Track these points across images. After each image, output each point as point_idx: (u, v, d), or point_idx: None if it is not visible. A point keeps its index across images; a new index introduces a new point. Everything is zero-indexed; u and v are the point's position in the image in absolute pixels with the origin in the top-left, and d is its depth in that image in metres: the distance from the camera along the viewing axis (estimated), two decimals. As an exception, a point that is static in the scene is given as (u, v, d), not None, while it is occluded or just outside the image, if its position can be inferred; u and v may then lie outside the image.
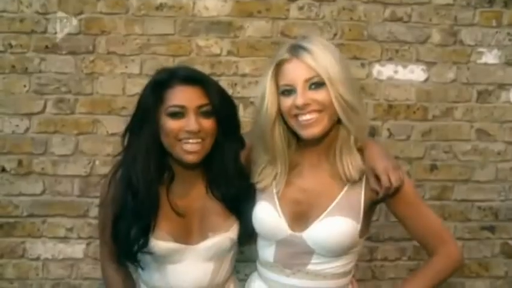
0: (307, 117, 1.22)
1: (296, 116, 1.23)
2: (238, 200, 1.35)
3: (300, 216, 1.29)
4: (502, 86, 2.08)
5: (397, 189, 1.25)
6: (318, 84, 1.22)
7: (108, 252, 1.42)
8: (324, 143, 1.28)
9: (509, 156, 2.09)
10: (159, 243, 1.30)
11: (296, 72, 1.23)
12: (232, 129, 1.35)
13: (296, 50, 1.24)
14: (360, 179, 1.27)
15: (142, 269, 1.36)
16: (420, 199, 1.35)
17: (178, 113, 1.26)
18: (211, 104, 1.29)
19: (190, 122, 1.25)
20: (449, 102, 2.07)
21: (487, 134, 2.09)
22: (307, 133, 1.24)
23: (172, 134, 1.27)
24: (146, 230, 1.29)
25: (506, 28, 2.05)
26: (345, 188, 1.27)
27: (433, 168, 2.08)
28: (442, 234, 1.32)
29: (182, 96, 1.27)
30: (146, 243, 1.29)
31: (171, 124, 1.26)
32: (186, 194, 1.36)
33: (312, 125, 1.22)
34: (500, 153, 2.09)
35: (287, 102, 1.24)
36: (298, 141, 1.32)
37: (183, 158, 1.28)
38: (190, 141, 1.27)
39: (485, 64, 2.06)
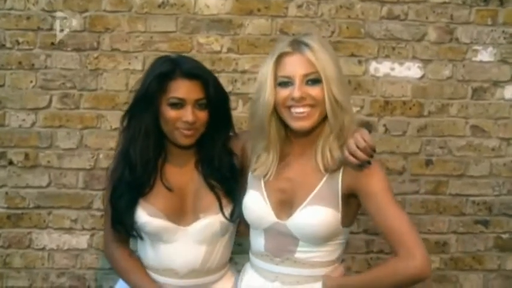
0: (301, 110, 1.28)
1: (289, 107, 1.29)
2: (226, 179, 1.45)
3: (285, 205, 1.34)
4: (496, 83, 2.10)
5: (369, 173, 1.25)
6: (314, 80, 1.28)
7: (113, 233, 1.48)
8: (310, 135, 1.34)
9: (503, 152, 2.12)
10: (152, 220, 1.39)
11: (296, 65, 1.28)
12: (222, 119, 1.47)
13: (299, 45, 1.29)
14: (339, 168, 1.31)
15: (142, 238, 1.44)
16: (391, 197, 1.26)
17: (178, 104, 1.38)
18: (207, 98, 1.40)
19: (188, 113, 1.37)
20: (444, 99, 2.10)
21: (482, 130, 2.12)
22: (298, 125, 1.30)
23: (171, 122, 1.38)
24: (135, 202, 1.41)
25: (502, 26, 2.08)
26: (324, 179, 1.31)
27: (429, 163, 2.12)
28: (408, 238, 1.20)
29: (183, 90, 1.38)
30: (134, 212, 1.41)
31: (170, 113, 1.38)
32: (179, 174, 1.46)
33: (303, 118, 1.28)
34: (494, 149, 2.12)
35: (283, 93, 1.29)
36: (287, 133, 1.38)
37: (180, 141, 1.41)
38: (186, 131, 1.39)
39: (481, 62, 2.09)
